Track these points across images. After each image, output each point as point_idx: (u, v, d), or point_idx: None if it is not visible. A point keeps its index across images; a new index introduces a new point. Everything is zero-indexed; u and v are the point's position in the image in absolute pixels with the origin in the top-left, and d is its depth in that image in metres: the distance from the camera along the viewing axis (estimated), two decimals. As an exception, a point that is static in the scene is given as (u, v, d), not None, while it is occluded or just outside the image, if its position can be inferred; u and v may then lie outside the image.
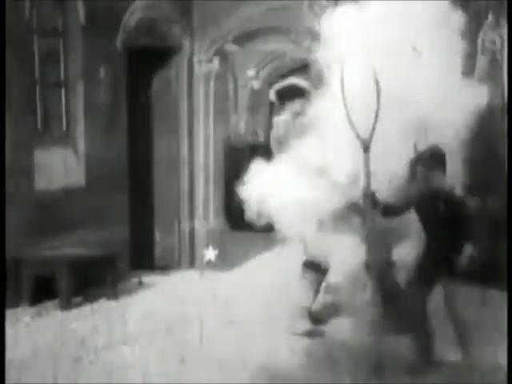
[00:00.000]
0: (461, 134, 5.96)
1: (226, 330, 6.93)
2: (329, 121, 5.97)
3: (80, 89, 8.76)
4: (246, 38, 10.11)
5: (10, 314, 7.05)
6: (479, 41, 8.56)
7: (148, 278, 9.02)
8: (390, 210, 5.95)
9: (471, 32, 7.70)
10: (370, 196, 5.75)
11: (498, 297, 6.96)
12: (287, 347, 6.41)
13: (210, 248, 7.64)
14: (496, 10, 8.47)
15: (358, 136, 5.69)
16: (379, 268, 6.17)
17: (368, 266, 6.15)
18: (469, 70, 7.49)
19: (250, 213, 6.12)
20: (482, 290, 7.33)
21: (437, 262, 5.79)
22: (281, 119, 7.09)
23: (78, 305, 7.89)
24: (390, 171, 5.93)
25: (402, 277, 6.28)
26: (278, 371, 5.91)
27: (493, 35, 8.53)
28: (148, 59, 9.67)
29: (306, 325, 6.81)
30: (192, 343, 6.52)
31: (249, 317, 7.28)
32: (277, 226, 6.15)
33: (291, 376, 5.83)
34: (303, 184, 6.12)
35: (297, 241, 6.76)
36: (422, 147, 5.93)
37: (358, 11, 5.93)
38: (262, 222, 6.17)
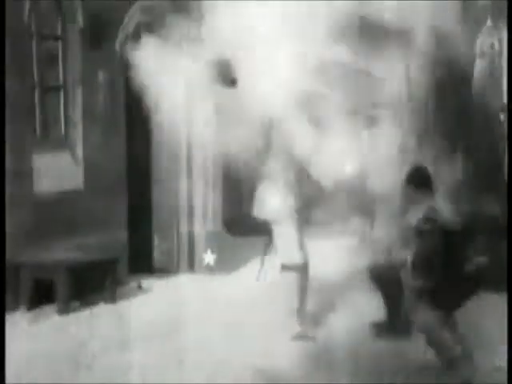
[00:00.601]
0: None
1: (224, 334, 6.92)
2: None
3: (78, 93, 8.76)
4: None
5: (8, 318, 7.03)
6: (478, 45, 8.58)
7: (147, 282, 9.00)
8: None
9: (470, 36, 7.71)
10: None
11: (498, 299, 6.96)
12: (285, 350, 6.40)
13: (209, 252, 7.69)
14: (495, 14, 8.49)
15: None
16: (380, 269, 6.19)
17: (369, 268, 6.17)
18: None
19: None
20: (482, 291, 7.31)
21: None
22: None
23: (77, 309, 7.87)
24: None
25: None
26: (276, 373, 5.91)
27: (492, 39, 8.55)
28: (147, 63, 9.66)
29: (296, 327, 6.80)
30: (191, 347, 6.52)
31: (247, 320, 7.27)
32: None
33: (289, 378, 5.83)
34: None
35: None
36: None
37: None
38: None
